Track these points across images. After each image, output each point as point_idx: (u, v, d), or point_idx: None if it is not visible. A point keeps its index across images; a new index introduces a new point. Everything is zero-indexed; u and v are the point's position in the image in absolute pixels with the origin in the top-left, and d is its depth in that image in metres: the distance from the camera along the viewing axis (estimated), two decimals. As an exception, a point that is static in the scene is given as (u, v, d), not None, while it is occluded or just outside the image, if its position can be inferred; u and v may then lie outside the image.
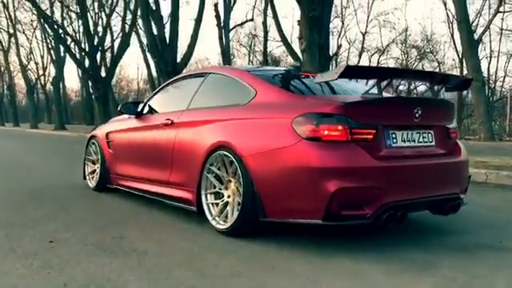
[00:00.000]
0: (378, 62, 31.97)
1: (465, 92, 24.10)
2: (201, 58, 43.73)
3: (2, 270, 2.37)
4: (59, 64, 31.39)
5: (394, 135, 2.84)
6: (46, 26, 25.92)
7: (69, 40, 25.59)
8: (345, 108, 2.69)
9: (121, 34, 23.37)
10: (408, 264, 2.54)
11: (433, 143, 3.07)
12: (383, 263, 2.53)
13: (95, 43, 23.82)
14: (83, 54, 24.93)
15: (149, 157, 4.07)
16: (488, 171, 5.76)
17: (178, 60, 17.14)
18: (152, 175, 3.95)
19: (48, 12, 25.03)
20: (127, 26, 22.67)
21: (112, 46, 24.83)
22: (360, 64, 4.54)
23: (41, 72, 39.27)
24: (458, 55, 25.79)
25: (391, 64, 30.96)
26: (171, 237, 3.08)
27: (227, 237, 3.01)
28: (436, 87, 3.43)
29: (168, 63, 16.37)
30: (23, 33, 36.67)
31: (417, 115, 2.86)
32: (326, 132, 2.63)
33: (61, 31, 23.96)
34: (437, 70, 27.59)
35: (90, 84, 24.99)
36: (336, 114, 2.66)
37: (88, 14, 24.20)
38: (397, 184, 2.73)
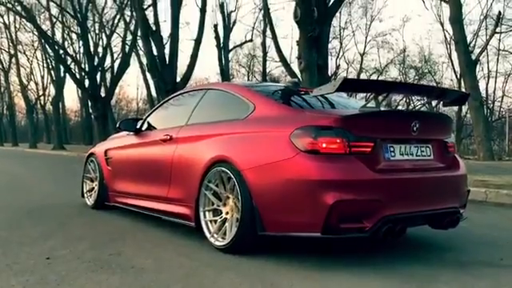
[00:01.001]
0: (377, 82, 32.10)
1: (463, 111, 24.29)
2: (200, 78, 44.11)
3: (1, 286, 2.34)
4: (59, 84, 31.57)
5: (392, 148, 2.85)
6: (46, 46, 26.19)
7: (69, 60, 25.80)
8: (343, 121, 2.70)
9: (121, 55, 23.59)
10: (407, 278, 2.52)
11: (431, 157, 3.06)
12: (383, 278, 2.51)
13: (95, 63, 24.02)
14: (83, 74, 25.09)
15: (147, 173, 4.04)
16: (488, 190, 5.74)
17: (178, 80, 17.28)
18: (151, 191, 3.91)
19: (49, 33, 25.26)
20: (127, 47, 22.91)
21: (112, 66, 25.03)
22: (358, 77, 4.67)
23: (41, 92, 39.46)
24: (456, 75, 26.00)
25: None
26: (169, 253, 3.05)
27: (225, 253, 2.99)
28: (434, 101, 3.44)
29: (167, 82, 16.48)
30: (24, 53, 37.00)
31: (414, 129, 2.87)
32: (324, 145, 2.63)
33: (61, 52, 24.23)
34: (435, 89, 27.67)
35: (90, 104, 25.07)
36: (334, 127, 2.67)
37: (89, 35, 24.47)
38: (396, 197, 2.71)
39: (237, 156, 3.00)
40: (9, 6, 24.26)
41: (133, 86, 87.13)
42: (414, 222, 2.92)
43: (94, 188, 4.97)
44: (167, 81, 16.51)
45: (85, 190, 5.14)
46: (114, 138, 5.00)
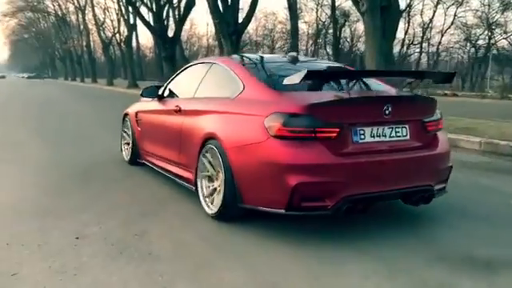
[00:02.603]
0: (455, 15, 29.62)
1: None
2: (268, 13, 43.02)
3: (23, 273, 2.52)
4: (130, 23, 32.25)
5: (362, 132, 2.97)
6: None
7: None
8: (310, 108, 2.86)
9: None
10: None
11: (407, 137, 3.15)
12: (358, 251, 2.48)
13: (162, 3, 24.09)
14: (151, 14, 25.30)
15: (165, 138, 4.41)
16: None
17: (240, 20, 16.92)
18: (166, 155, 4.34)
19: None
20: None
21: (178, 6, 24.89)
22: (334, 65, 4.32)
23: (116, 29, 40.61)
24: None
25: (469, 17, 28.55)
26: (192, 235, 3.12)
27: (245, 238, 3.02)
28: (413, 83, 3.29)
29: (230, 24, 16.24)
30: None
31: (387, 112, 2.98)
32: (290, 131, 2.85)
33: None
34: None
35: (158, 44, 25.44)
36: (302, 114, 2.85)
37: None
38: (358, 178, 2.88)
39: (224, 135, 3.31)
40: None
41: (203, 22, 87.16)
42: (381, 199, 3.13)
43: (129, 143, 5.43)
44: (229, 22, 16.26)
45: (122, 143, 5.67)
46: (144, 101, 5.22)
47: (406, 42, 30.57)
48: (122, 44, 36.55)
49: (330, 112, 2.88)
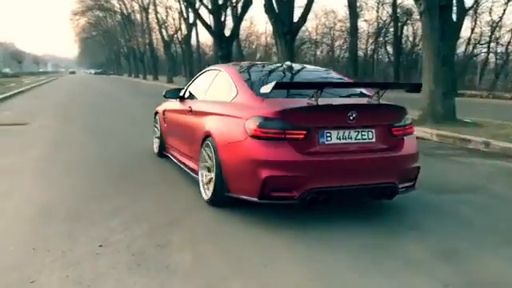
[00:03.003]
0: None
1: None
2: (328, 11, 42.36)
3: (41, 281, 2.56)
4: (190, 22, 32.87)
5: (328, 134, 3.43)
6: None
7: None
8: (282, 113, 3.35)
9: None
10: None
11: (373, 140, 3.55)
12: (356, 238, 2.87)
13: (220, 2, 24.30)
14: (209, 13, 25.63)
15: (181, 134, 5.09)
16: None
17: (296, 19, 16.70)
18: (182, 149, 5.03)
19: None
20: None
21: (235, 6, 24.96)
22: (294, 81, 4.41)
23: (177, 28, 41.53)
24: None
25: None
26: (213, 248, 3.05)
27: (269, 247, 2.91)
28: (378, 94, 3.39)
29: (285, 24, 16.10)
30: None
31: (351, 118, 3.41)
32: (264, 132, 3.37)
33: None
34: None
35: (215, 43, 25.70)
36: (274, 118, 3.36)
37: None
38: (321, 174, 3.32)
39: (217, 133, 3.89)
40: None
41: (262, 20, 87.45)
42: (343, 193, 3.51)
43: (158, 138, 6.16)
44: (284, 20, 16.12)
45: (154, 137, 6.43)
46: (170, 101, 5.78)
47: (472, 41, 28.89)
48: (182, 42, 37.34)
49: (298, 117, 3.37)
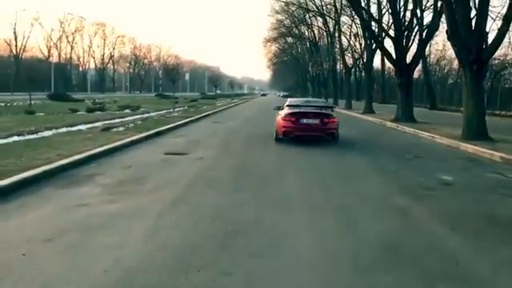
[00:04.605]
0: None
1: None
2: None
3: None
4: (369, 50, 31.97)
5: (303, 120, 12.23)
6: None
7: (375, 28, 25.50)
8: (289, 112, 12.43)
9: (431, 16, 21.66)
10: None
11: (317, 122, 12.24)
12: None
13: (402, 29, 22.92)
14: (391, 40, 24.38)
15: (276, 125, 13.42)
16: None
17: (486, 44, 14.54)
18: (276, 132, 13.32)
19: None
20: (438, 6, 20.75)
21: (421, 31, 23.12)
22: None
23: (360, 54, 40.92)
24: None
25: None
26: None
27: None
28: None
29: (471, 51, 14.15)
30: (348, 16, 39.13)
31: (310, 115, 12.29)
32: (283, 118, 12.47)
33: (366, 16, 24.05)
34: None
35: (395, 70, 24.26)
36: (287, 114, 12.44)
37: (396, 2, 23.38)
38: (299, 130, 12.23)
39: (277, 118, 13.43)
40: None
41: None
42: (308, 136, 12.50)
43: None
44: (471, 49, 14.17)
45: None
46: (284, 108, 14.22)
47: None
48: (363, 68, 36.52)
49: (293, 114, 12.28)
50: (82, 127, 14.44)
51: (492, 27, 19.48)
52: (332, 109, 13.14)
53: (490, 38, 14.81)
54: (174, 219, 5.11)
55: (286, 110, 12.45)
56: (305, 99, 15.58)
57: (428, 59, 50.63)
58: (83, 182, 6.83)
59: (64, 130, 13.42)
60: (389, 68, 54.58)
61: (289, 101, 13.78)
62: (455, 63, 48.05)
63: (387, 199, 6.32)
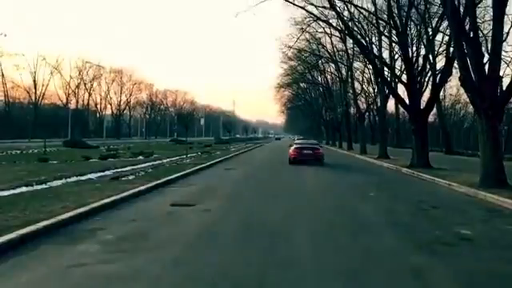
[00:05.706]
0: None
1: None
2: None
3: None
4: (382, 95, 32.00)
5: (303, 151, 25.11)
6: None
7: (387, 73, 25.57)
8: (295, 148, 25.73)
9: (443, 62, 21.62)
10: None
11: (311, 152, 25.04)
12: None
13: (415, 74, 22.88)
14: (404, 86, 24.33)
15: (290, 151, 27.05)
16: None
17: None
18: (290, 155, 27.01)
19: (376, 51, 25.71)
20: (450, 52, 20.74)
21: (434, 76, 23.05)
22: None
23: (373, 99, 41.02)
24: None
25: None
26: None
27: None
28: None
29: (485, 97, 13.88)
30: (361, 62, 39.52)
31: (307, 148, 25.63)
32: (292, 150, 25.76)
33: (378, 62, 24.14)
34: None
35: (409, 116, 24.05)
36: (295, 148, 25.78)
37: (408, 46, 23.52)
38: (301, 157, 24.69)
39: (289, 150, 28.25)
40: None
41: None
42: (307, 161, 24.33)
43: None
44: (485, 95, 13.92)
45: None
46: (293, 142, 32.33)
47: None
48: (377, 113, 36.47)
49: (298, 147, 25.71)
50: (93, 176, 14.35)
51: (506, 72, 19.34)
52: (319, 145, 28.70)
53: (505, 82, 14.62)
54: (172, 283, 4.82)
55: (294, 146, 25.84)
56: (304, 141, 31.74)
57: (443, 103, 50.50)
58: (84, 238, 6.59)
59: (74, 179, 13.36)
60: (403, 112, 54.40)
61: (295, 142, 29.56)
62: (470, 107, 47.80)
63: (401, 258, 5.92)
